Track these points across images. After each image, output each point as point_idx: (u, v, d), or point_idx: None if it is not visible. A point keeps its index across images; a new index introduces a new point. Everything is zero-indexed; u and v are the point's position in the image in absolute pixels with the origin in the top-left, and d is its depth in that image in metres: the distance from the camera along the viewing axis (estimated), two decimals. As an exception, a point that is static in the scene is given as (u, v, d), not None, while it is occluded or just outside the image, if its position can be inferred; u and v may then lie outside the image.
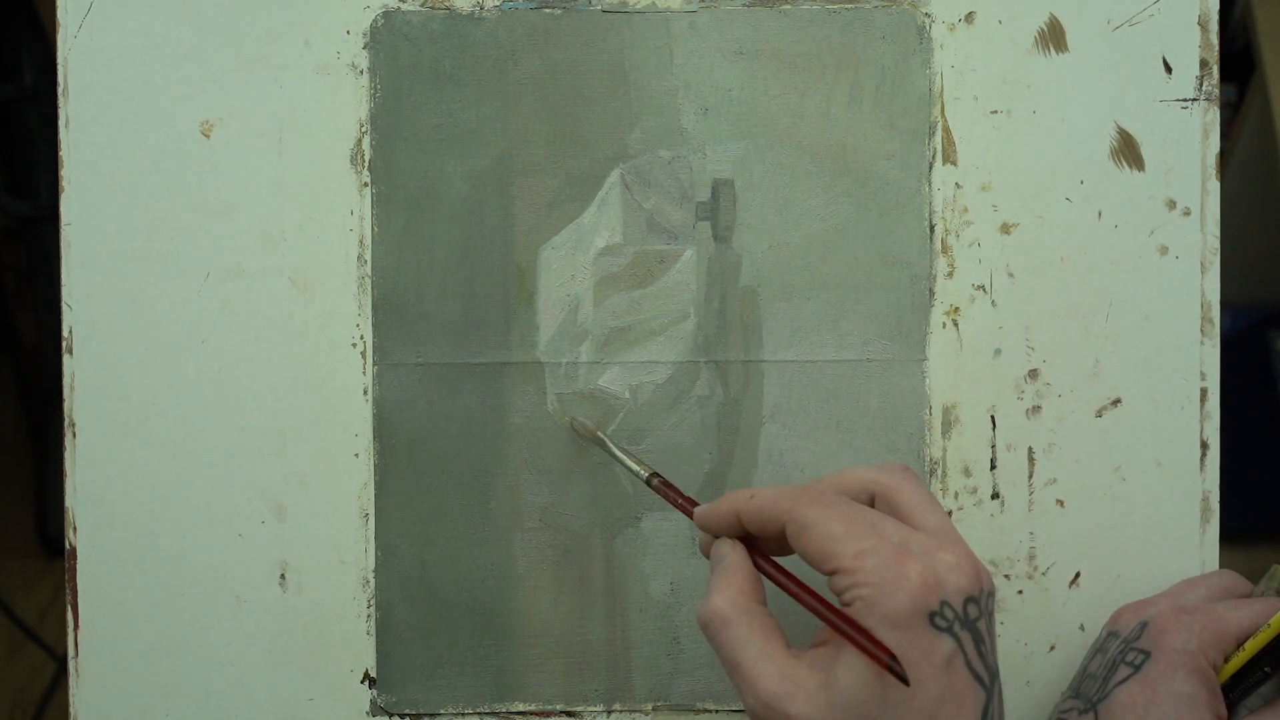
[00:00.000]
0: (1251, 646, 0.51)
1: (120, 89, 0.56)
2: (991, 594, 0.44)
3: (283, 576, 0.57)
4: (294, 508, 0.57)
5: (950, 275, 0.57)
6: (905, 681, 0.40)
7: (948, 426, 0.57)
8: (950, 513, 0.57)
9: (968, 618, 0.42)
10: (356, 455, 0.57)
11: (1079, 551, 0.57)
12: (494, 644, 0.57)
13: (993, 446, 0.57)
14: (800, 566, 0.45)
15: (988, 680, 0.43)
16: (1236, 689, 0.52)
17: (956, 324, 0.57)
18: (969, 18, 0.57)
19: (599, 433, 0.56)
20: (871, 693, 0.41)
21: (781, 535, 0.45)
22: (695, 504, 0.49)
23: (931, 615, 0.41)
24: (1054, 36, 0.57)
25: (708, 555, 0.48)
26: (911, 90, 0.57)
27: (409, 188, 0.57)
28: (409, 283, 0.57)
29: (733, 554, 0.46)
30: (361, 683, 0.57)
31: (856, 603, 0.42)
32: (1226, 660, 0.52)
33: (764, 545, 0.47)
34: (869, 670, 0.41)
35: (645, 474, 0.53)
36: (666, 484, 0.52)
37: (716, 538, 0.48)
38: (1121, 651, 0.53)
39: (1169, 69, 0.57)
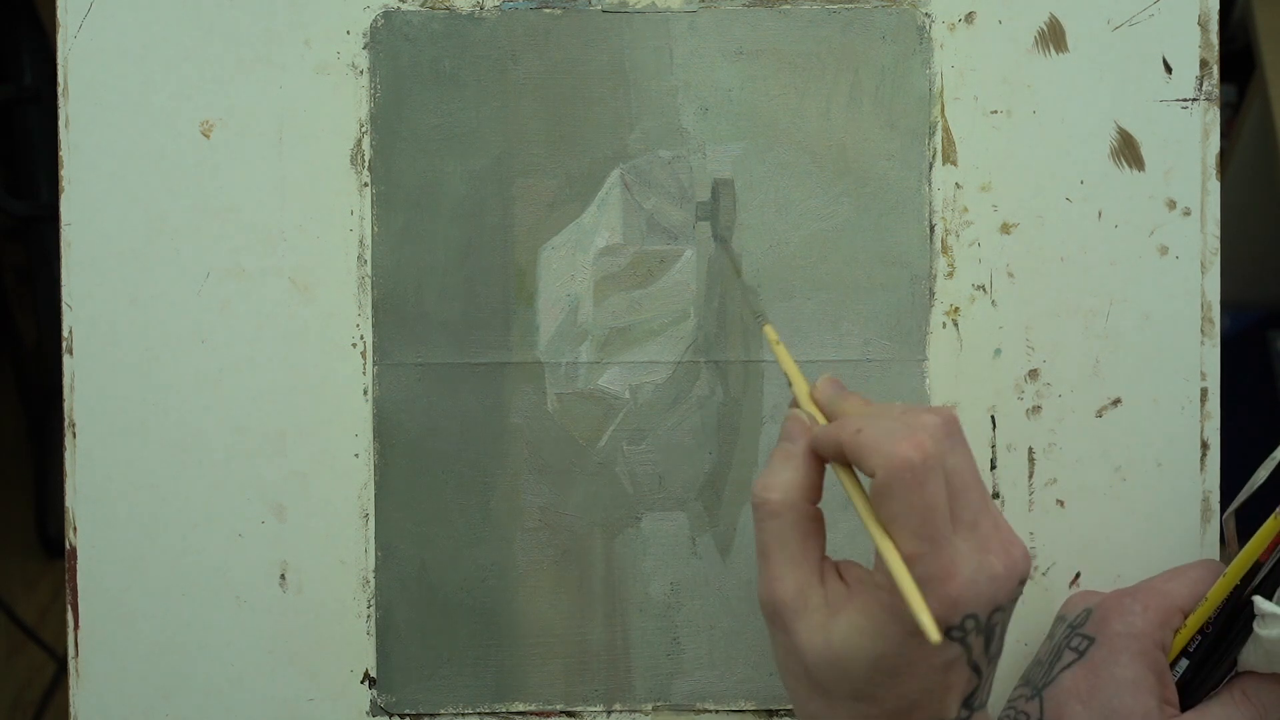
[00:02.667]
0: (1194, 621, 0.51)
1: (120, 89, 0.56)
2: (1025, 581, 0.43)
3: (283, 576, 0.57)
4: (294, 508, 0.57)
5: (950, 275, 0.57)
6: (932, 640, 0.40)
7: (948, 426, 0.57)
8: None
9: (988, 624, 0.42)
10: (356, 455, 0.57)
11: (1079, 551, 0.57)
12: (494, 644, 0.57)
13: (993, 446, 0.57)
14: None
15: (985, 667, 0.43)
16: (1195, 679, 0.51)
17: (956, 324, 0.57)
18: (969, 18, 0.57)
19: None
20: (864, 659, 0.41)
21: None
22: (799, 372, 0.48)
23: (949, 630, 0.41)
24: (1054, 36, 0.57)
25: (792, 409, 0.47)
26: (911, 90, 0.57)
27: (409, 188, 0.57)
28: (409, 283, 0.57)
29: (802, 439, 0.45)
30: (361, 683, 0.57)
31: (885, 589, 0.42)
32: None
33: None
34: (870, 637, 0.41)
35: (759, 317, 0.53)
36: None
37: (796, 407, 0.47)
38: (1067, 636, 0.53)
39: (1169, 69, 0.57)
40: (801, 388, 0.47)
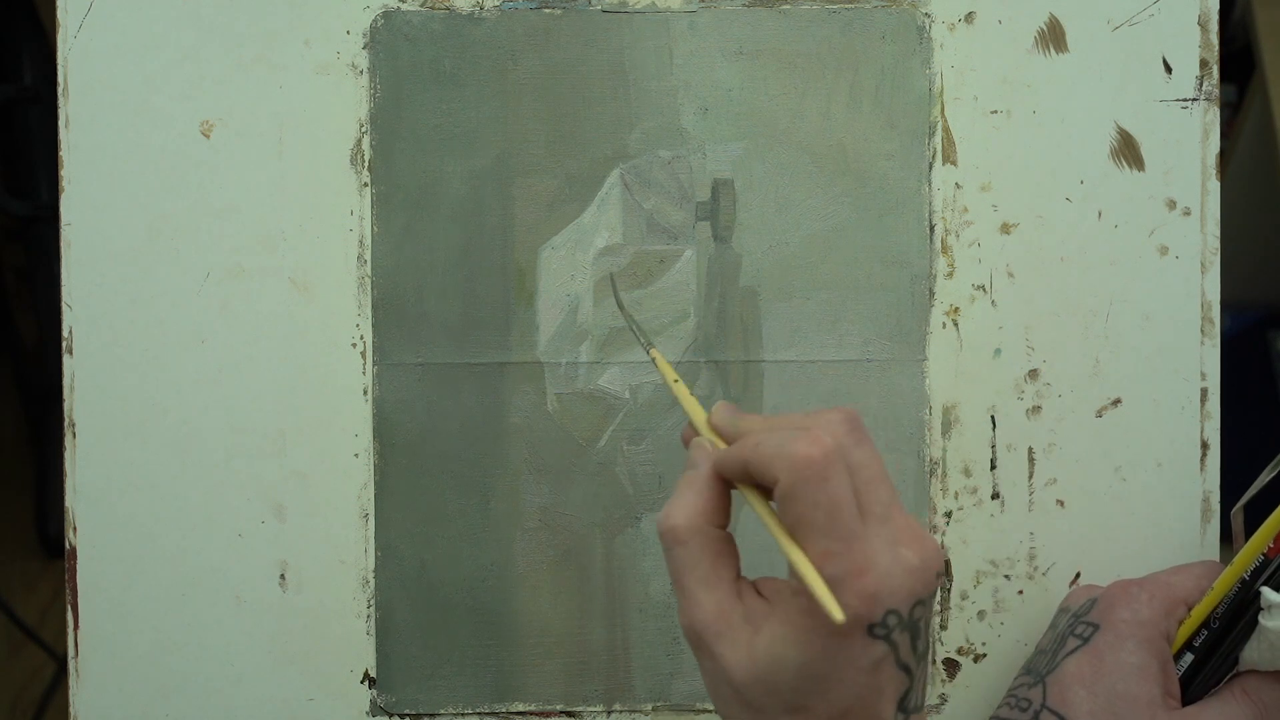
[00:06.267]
0: (1198, 613, 0.51)
1: (120, 89, 0.56)
2: (941, 575, 0.43)
3: (283, 576, 0.57)
4: (294, 508, 0.57)
5: (950, 275, 0.57)
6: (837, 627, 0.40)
7: (948, 426, 0.57)
8: (950, 513, 0.57)
9: (911, 619, 0.42)
10: (356, 455, 0.57)
11: (1079, 551, 0.57)
12: (494, 644, 0.57)
13: (993, 446, 0.57)
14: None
15: (915, 667, 0.42)
16: (1199, 673, 0.51)
17: (956, 324, 0.57)
18: (969, 18, 0.57)
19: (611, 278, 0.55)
20: (791, 670, 0.41)
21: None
22: (695, 402, 0.48)
23: (871, 626, 0.41)
24: (1054, 36, 0.57)
25: (686, 444, 0.47)
26: (911, 90, 0.57)
27: (409, 188, 0.57)
28: (409, 283, 0.57)
29: (705, 465, 0.45)
30: (361, 683, 0.57)
31: (801, 596, 0.41)
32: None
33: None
34: (794, 646, 0.41)
35: (646, 344, 0.53)
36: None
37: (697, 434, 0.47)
38: (1071, 625, 0.53)
39: (1169, 69, 0.57)
40: (699, 415, 0.47)
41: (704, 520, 0.44)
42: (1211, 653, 0.51)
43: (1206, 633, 0.51)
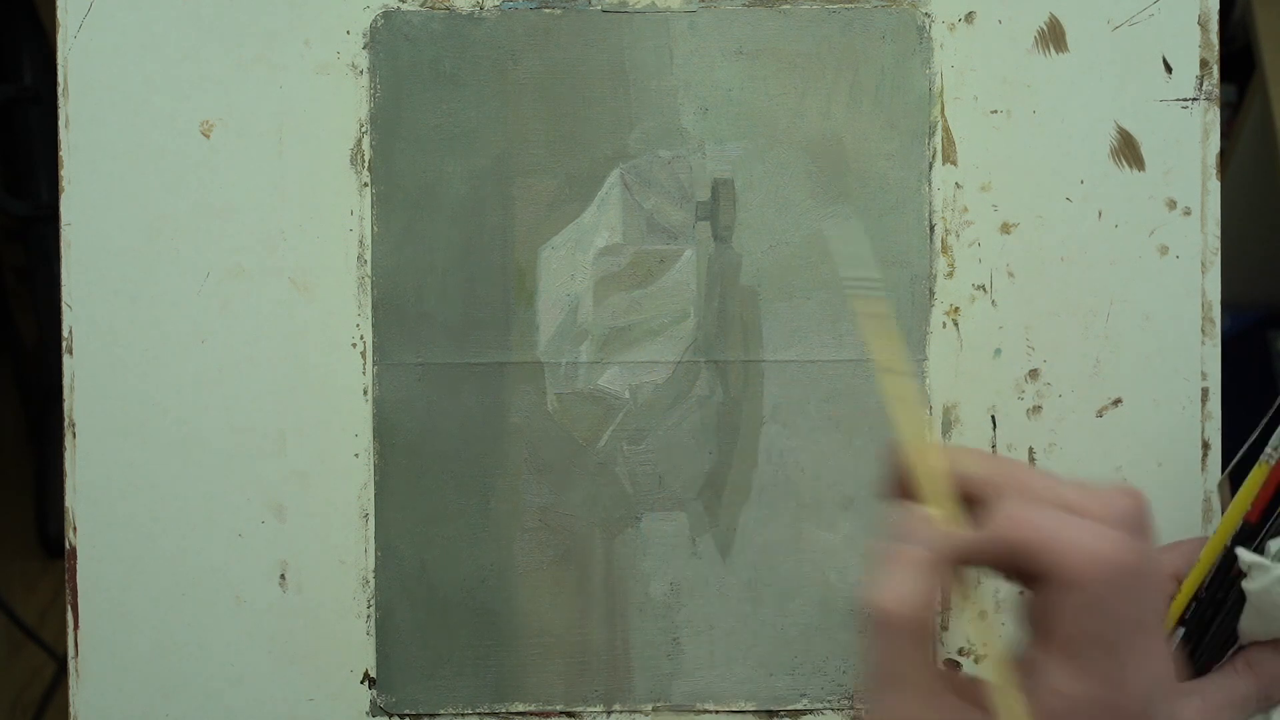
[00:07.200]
0: (1187, 586, 0.50)
1: (120, 89, 0.56)
2: None
3: (283, 576, 0.57)
4: (294, 508, 0.57)
5: (950, 275, 0.57)
6: None
7: (948, 426, 0.57)
8: (950, 513, 0.57)
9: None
10: (356, 455, 0.57)
11: (1079, 551, 0.57)
12: (494, 644, 0.57)
13: (993, 446, 0.57)
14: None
15: None
16: (1196, 647, 0.50)
17: (956, 324, 0.57)
18: (969, 18, 0.57)
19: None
20: None
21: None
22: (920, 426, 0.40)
23: None
24: (1054, 36, 0.57)
25: (892, 496, 0.39)
26: (911, 90, 0.57)
27: (409, 188, 0.57)
28: (409, 283, 0.57)
29: (938, 542, 0.37)
30: (361, 683, 0.57)
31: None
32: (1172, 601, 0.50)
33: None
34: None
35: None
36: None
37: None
38: None
39: (1169, 69, 0.57)
40: (927, 457, 0.38)
41: (925, 611, 0.37)
42: (1204, 626, 0.50)
43: (1196, 604, 0.50)
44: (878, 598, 0.37)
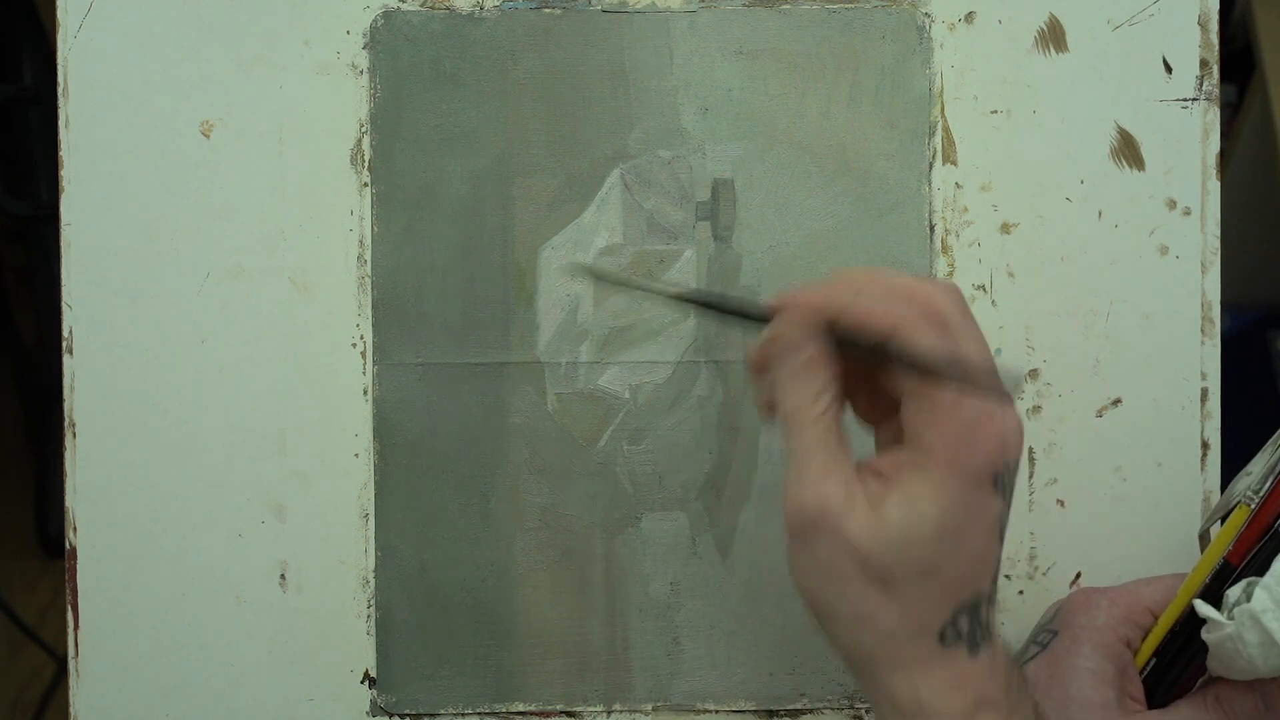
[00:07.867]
0: (1164, 621, 0.51)
1: (120, 89, 0.56)
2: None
3: (283, 576, 0.57)
4: (294, 508, 0.57)
5: (950, 275, 0.57)
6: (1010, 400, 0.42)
7: (948, 426, 0.57)
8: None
9: (1011, 482, 0.43)
10: (356, 455, 0.57)
11: (1079, 551, 0.57)
12: (494, 644, 0.57)
13: (993, 446, 0.57)
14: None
15: (1000, 544, 0.44)
16: (1165, 678, 0.51)
17: (956, 324, 0.57)
18: (969, 18, 0.57)
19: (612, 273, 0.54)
20: (929, 524, 0.41)
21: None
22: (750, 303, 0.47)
23: (996, 476, 0.42)
24: (1054, 36, 0.57)
25: (756, 369, 0.46)
26: (911, 90, 0.57)
27: (409, 188, 0.57)
28: (409, 283, 0.57)
29: (812, 346, 0.44)
30: (361, 683, 0.57)
31: (937, 447, 0.42)
32: (1147, 635, 0.51)
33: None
34: (930, 501, 0.41)
35: (675, 291, 0.50)
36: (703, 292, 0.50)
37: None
38: (1035, 634, 0.53)
39: (1169, 69, 0.57)
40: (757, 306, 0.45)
41: (826, 405, 0.44)
42: (1176, 657, 0.50)
43: (1170, 638, 0.50)
44: (781, 401, 0.44)
